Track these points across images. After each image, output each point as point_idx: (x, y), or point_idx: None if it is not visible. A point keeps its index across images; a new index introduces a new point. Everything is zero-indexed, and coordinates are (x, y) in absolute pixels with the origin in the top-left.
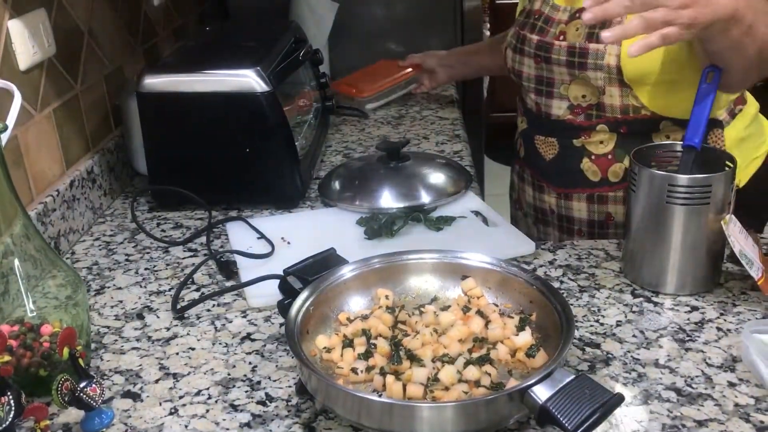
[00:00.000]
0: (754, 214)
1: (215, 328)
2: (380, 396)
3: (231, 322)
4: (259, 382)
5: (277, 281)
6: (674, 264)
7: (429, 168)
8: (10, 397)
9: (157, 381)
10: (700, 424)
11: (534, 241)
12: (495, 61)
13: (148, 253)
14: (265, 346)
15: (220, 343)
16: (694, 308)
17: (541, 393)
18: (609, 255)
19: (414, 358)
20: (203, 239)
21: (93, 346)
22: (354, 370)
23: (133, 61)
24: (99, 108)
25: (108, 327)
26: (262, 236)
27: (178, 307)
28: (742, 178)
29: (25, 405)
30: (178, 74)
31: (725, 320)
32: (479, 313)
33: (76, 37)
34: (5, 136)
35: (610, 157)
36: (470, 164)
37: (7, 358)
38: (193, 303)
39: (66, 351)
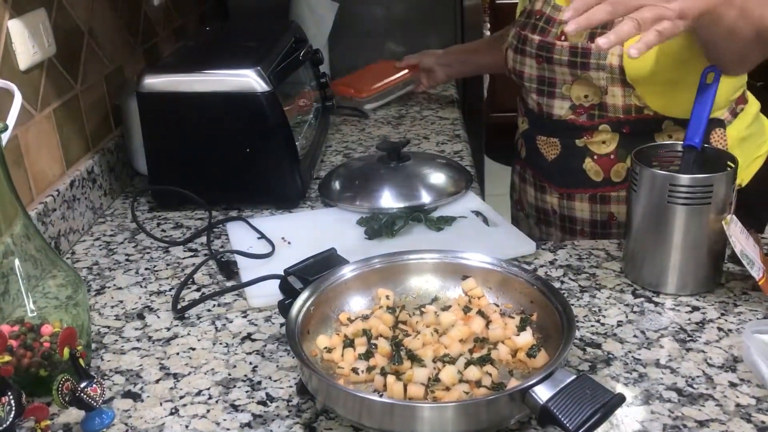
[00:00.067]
0: (756, 214)
1: (216, 328)
2: (381, 396)
3: (231, 322)
4: (259, 382)
5: (278, 281)
6: (675, 264)
7: (429, 168)
8: (11, 397)
9: (157, 381)
10: (701, 424)
11: (535, 241)
12: (493, 60)
13: (148, 253)
14: (265, 346)
15: (220, 343)
16: (695, 308)
17: (542, 393)
18: (610, 255)
19: (415, 359)
20: (203, 239)
21: (93, 346)
22: (355, 371)
23: (133, 61)
24: (99, 108)
25: (108, 327)
26: (262, 236)
27: (179, 307)
28: (744, 177)
29: (25, 405)
30: (178, 74)
31: (726, 320)
32: (480, 313)
33: (76, 37)
34: (6, 136)
35: (612, 157)
36: (470, 164)
37: (7, 358)
38: (194, 303)
39: (66, 351)
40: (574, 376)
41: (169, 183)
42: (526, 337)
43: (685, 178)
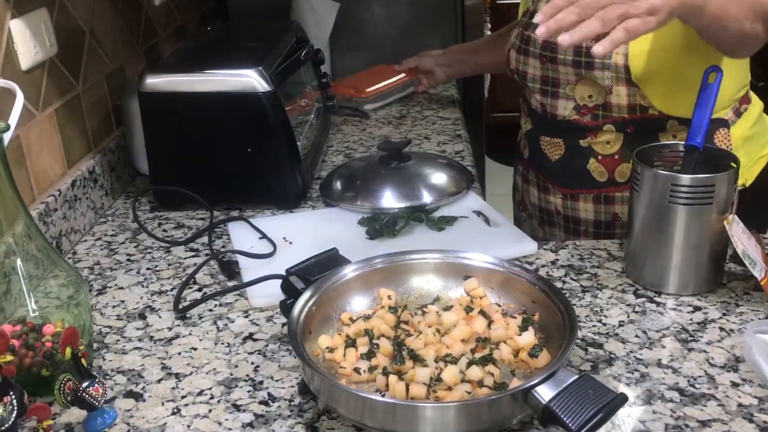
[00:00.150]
0: (761, 213)
1: (217, 328)
2: (383, 396)
3: (233, 322)
4: (261, 382)
5: (280, 281)
6: (677, 264)
7: (430, 168)
8: (13, 396)
9: (159, 381)
10: (703, 424)
11: (538, 242)
12: (493, 60)
13: (149, 253)
14: (267, 346)
15: (222, 343)
16: (697, 308)
17: (545, 393)
18: (611, 255)
19: (417, 358)
20: (205, 239)
21: (95, 345)
22: (357, 370)
23: (135, 61)
24: (100, 108)
25: (110, 327)
26: (263, 236)
27: (180, 307)
28: (748, 177)
29: (27, 405)
30: (179, 74)
31: (728, 320)
32: (482, 313)
33: (78, 36)
34: (7, 136)
35: (616, 157)
36: (471, 164)
37: (9, 357)
38: (195, 303)
39: (68, 351)
40: (576, 376)
41: (170, 183)
42: (528, 337)
43: (686, 178)
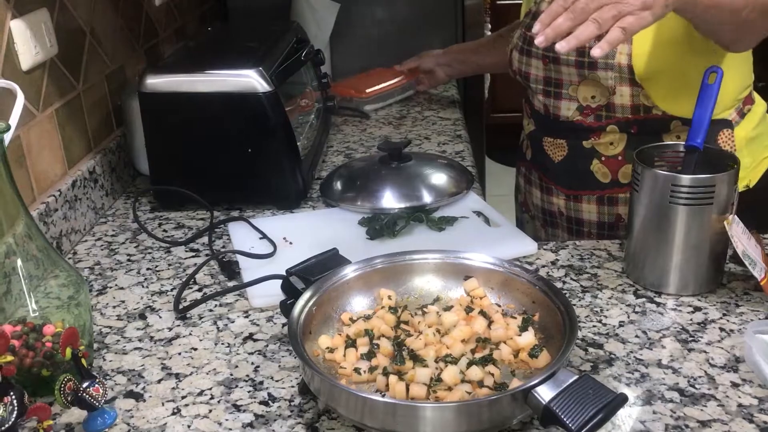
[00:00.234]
0: (765, 214)
1: (217, 328)
2: (383, 396)
3: (233, 322)
4: (261, 383)
5: (280, 281)
6: (677, 264)
7: (431, 168)
8: (13, 396)
9: (159, 381)
10: (704, 424)
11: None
12: (493, 60)
13: (150, 253)
14: (267, 346)
15: (222, 344)
16: (697, 309)
17: (545, 393)
18: (611, 255)
19: (417, 359)
20: (205, 239)
21: (95, 346)
22: (357, 371)
23: (135, 61)
24: (101, 108)
25: (110, 327)
26: (264, 236)
27: (181, 307)
28: (752, 178)
29: (28, 405)
30: (180, 74)
31: (728, 321)
32: (482, 313)
33: (78, 37)
34: (8, 136)
35: (620, 158)
36: (472, 164)
37: (9, 358)
38: (196, 303)
39: (68, 351)
40: (576, 377)
41: (170, 183)
42: (528, 338)
43: (686, 179)
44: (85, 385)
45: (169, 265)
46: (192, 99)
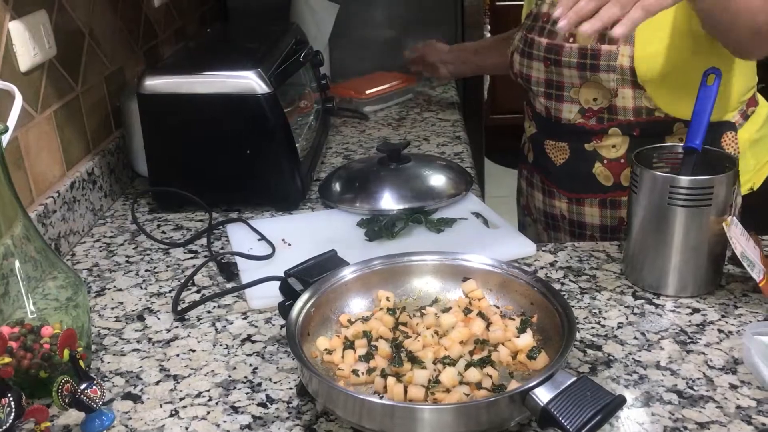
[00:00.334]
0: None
1: (216, 329)
2: (381, 398)
3: (231, 323)
4: (259, 384)
5: (278, 283)
6: (675, 266)
7: (430, 170)
8: (11, 398)
9: (157, 383)
10: (702, 426)
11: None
12: (494, 61)
13: (148, 254)
14: (265, 347)
15: (220, 345)
16: (696, 310)
17: (543, 395)
18: (610, 257)
19: (415, 360)
20: (204, 241)
21: (93, 347)
22: (355, 372)
23: (134, 62)
24: (99, 109)
25: (108, 329)
26: (262, 238)
27: (179, 308)
28: (756, 180)
29: (25, 406)
30: (179, 76)
31: (726, 322)
32: (480, 314)
33: (77, 38)
34: (6, 138)
35: (622, 161)
36: (471, 166)
37: (7, 359)
38: (194, 305)
39: (66, 352)
40: (574, 378)
41: (169, 184)
42: (527, 339)
43: (685, 180)
44: (82, 386)
45: (168, 266)
46: (191, 100)
